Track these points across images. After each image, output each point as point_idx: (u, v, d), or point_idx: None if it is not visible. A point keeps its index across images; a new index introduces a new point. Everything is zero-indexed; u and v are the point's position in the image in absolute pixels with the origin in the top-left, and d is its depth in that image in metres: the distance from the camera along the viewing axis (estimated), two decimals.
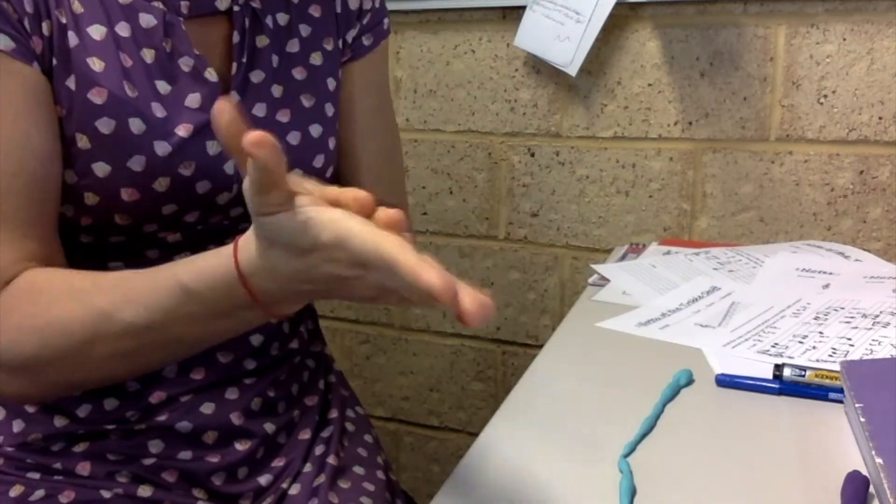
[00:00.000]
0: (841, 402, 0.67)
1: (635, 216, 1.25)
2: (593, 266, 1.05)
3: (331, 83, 0.78)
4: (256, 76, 0.72)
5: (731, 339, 0.80)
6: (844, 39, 1.09)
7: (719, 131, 1.18)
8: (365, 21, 0.81)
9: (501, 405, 0.70)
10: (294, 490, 0.76)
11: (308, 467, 0.78)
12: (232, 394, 0.75)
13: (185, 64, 0.67)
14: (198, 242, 0.71)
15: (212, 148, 0.68)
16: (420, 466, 1.54)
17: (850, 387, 0.64)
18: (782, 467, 0.59)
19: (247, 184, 0.47)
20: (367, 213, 0.48)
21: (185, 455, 0.73)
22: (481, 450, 0.63)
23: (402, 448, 1.54)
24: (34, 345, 0.59)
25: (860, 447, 0.60)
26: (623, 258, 1.10)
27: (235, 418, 0.75)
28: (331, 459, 0.79)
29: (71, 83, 0.63)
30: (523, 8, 1.20)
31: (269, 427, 0.77)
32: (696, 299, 0.92)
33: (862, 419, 0.59)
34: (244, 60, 0.71)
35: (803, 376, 0.69)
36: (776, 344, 0.78)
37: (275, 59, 0.73)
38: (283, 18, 0.74)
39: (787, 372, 0.70)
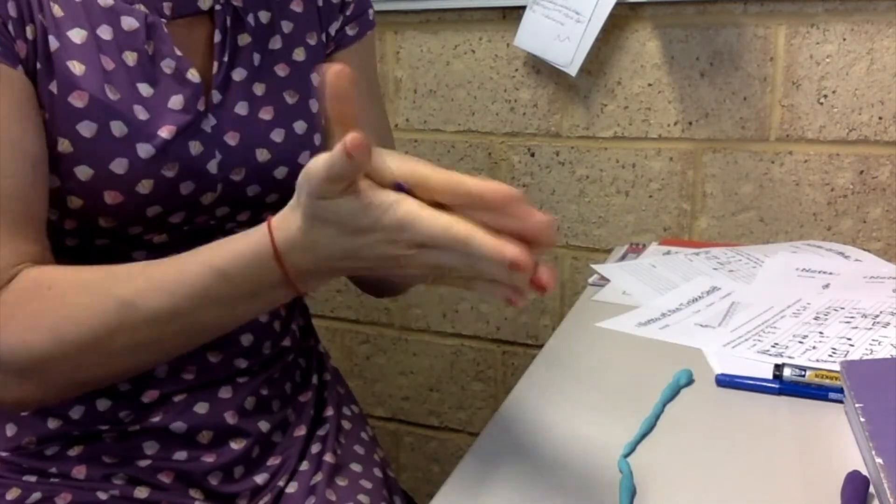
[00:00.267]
0: (841, 402, 0.67)
1: (635, 216, 1.25)
2: (593, 266, 1.05)
3: (315, 79, 0.78)
4: (238, 74, 0.72)
5: (731, 339, 0.80)
6: (844, 39, 1.09)
7: (719, 131, 1.18)
8: (348, 12, 0.81)
9: (501, 405, 0.70)
10: (291, 488, 0.76)
11: (305, 465, 0.78)
12: (225, 393, 0.75)
13: (168, 66, 0.67)
14: (184, 243, 0.71)
15: (194, 148, 0.68)
16: (420, 466, 1.54)
17: (850, 387, 0.64)
18: (782, 467, 0.59)
19: (318, 165, 0.48)
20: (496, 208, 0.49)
21: (181, 455, 0.73)
22: (481, 450, 0.63)
23: (402, 448, 1.54)
24: (46, 341, 0.58)
25: (860, 447, 0.60)
26: (623, 258, 1.10)
27: (229, 417, 0.75)
28: (328, 457, 0.79)
29: (53, 87, 0.63)
30: (523, 8, 1.20)
31: (264, 426, 0.77)
32: (696, 299, 0.92)
33: (862, 419, 0.59)
34: (226, 59, 0.71)
35: (803, 376, 0.69)
36: (776, 344, 0.78)
37: (256, 58, 0.73)
38: (264, 16, 0.74)
39: (787, 372, 0.70)
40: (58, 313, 0.58)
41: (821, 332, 0.80)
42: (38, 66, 0.62)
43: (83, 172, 0.64)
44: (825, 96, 1.12)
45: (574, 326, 0.87)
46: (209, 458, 0.73)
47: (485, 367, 1.42)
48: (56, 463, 0.71)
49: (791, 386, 0.69)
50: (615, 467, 0.59)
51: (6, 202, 0.60)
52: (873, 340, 0.77)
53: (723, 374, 0.72)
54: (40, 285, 0.60)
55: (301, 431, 0.80)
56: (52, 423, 0.71)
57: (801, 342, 0.78)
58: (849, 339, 0.78)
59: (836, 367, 0.69)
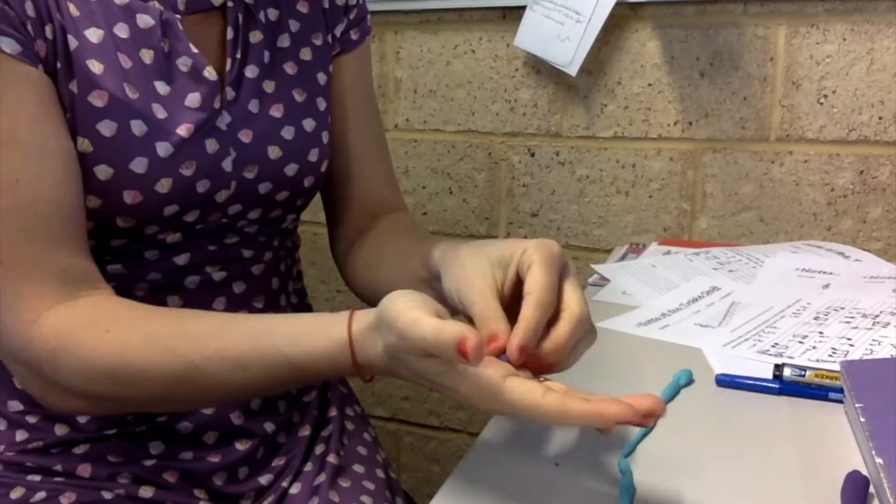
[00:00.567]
0: (841, 402, 0.67)
1: (635, 216, 1.25)
2: (593, 266, 1.05)
3: (321, 78, 0.78)
4: (251, 71, 0.72)
5: (731, 339, 0.80)
6: (844, 39, 1.09)
7: (719, 131, 1.18)
8: (352, 16, 0.82)
9: None
10: (295, 489, 0.76)
11: (308, 466, 0.78)
12: None
13: (184, 63, 0.67)
14: (196, 241, 0.71)
15: (210, 146, 0.68)
16: (420, 466, 1.54)
17: (850, 387, 0.64)
18: (782, 467, 0.59)
19: (423, 330, 0.49)
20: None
21: (186, 455, 0.73)
22: (481, 450, 0.63)
23: (402, 448, 1.54)
24: (109, 385, 0.60)
25: (860, 447, 0.60)
26: (623, 258, 1.10)
27: (235, 418, 0.75)
28: (331, 458, 0.79)
29: (73, 87, 0.63)
30: (523, 8, 1.20)
31: (269, 426, 0.77)
32: (696, 299, 0.92)
33: (862, 419, 0.59)
34: (238, 56, 0.71)
35: (803, 376, 0.69)
36: (776, 344, 0.78)
37: (266, 55, 0.73)
38: (273, 14, 0.75)
39: (787, 372, 0.70)
40: (121, 361, 0.59)
41: (821, 332, 0.80)
42: (59, 65, 0.62)
43: (103, 172, 0.64)
44: (825, 96, 1.12)
45: None
46: (214, 459, 0.74)
47: None
48: (61, 462, 0.71)
49: (791, 386, 0.69)
50: (615, 467, 0.59)
51: (42, 207, 0.60)
52: (873, 340, 0.77)
53: (723, 374, 0.72)
54: (98, 324, 0.60)
55: (305, 432, 0.80)
56: (60, 430, 0.71)
57: (801, 342, 0.78)
58: (849, 339, 0.78)
59: (836, 367, 0.69)
